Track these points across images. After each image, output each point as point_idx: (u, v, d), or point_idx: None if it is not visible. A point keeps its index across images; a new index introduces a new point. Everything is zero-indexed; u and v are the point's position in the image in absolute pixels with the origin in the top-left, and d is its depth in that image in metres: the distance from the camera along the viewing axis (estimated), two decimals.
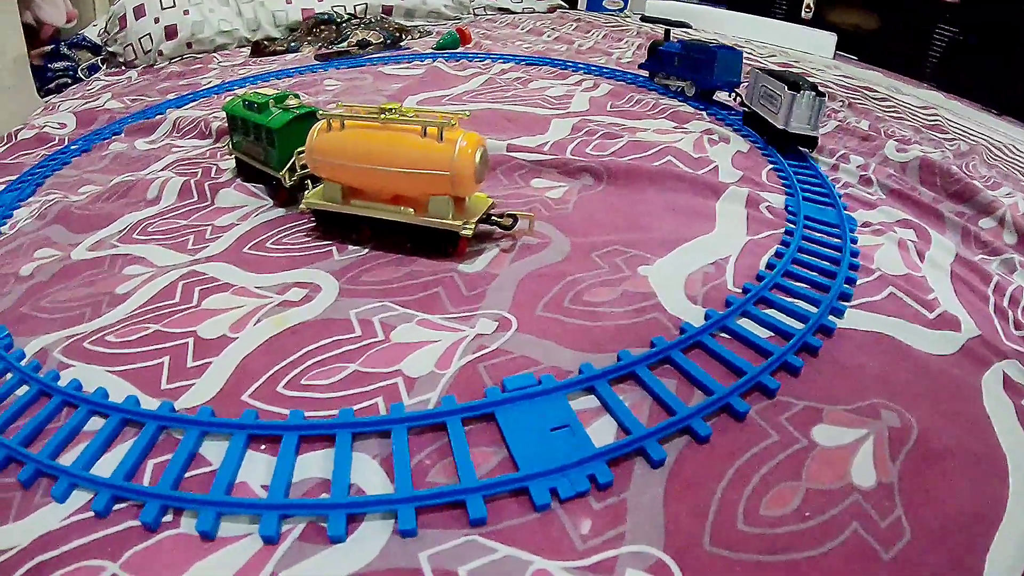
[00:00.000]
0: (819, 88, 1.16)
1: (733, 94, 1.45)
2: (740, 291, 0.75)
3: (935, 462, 0.56)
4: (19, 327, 0.77)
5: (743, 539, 0.49)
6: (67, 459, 0.57)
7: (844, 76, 1.93)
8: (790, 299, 0.74)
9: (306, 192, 0.91)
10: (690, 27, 2.49)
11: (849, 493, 0.52)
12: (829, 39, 2.47)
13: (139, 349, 0.70)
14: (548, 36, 2.31)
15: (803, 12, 2.82)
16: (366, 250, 0.85)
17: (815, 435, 0.57)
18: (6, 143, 1.52)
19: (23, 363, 0.70)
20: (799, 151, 1.18)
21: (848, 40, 2.54)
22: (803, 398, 0.60)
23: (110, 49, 2.27)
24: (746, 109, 1.32)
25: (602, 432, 0.57)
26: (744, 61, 1.49)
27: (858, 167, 1.15)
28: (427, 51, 2.04)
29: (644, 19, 2.60)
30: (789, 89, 1.14)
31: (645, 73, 1.68)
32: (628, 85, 1.60)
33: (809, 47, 2.43)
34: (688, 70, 1.50)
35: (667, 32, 1.71)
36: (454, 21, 2.60)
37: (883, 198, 1.05)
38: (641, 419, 0.58)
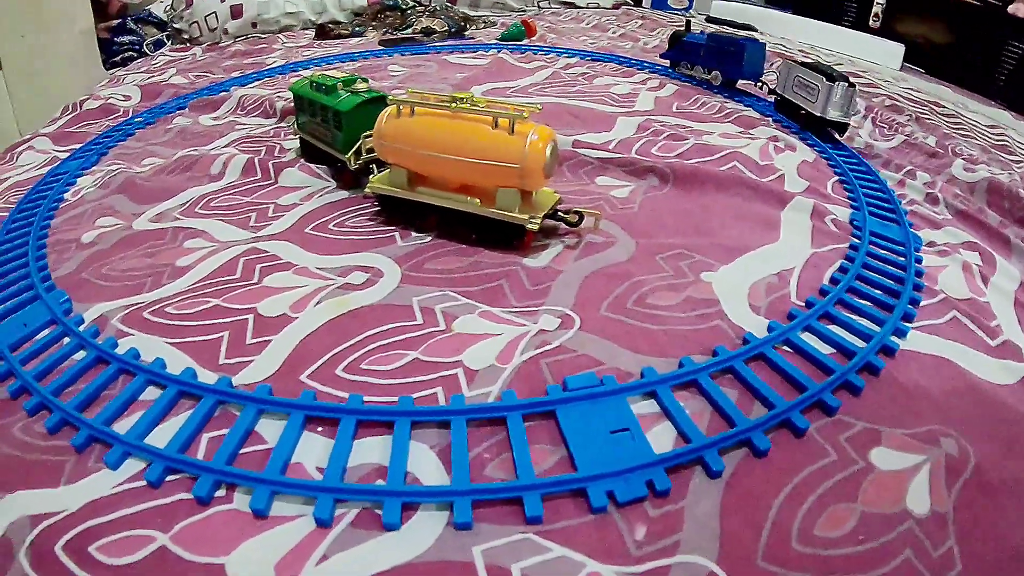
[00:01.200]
0: (850, 79, 1.25)
1: (760, 83, 1.53)
2: (803, 304, 0.74)
3: (991, 495, 0.55)
4: (78, 293, 0.78)
5: (796, 558, 0.48)
6: (121, 427, 0.58)
7: (911, 89, 1.88)
8: (853, 316, 0.72)
9: (371, 176, 0.91)
10: (756, 31, 2.46)
11: (904, 519, 0.51)
12: (896, 50, 2.42)
13: (198, 322, 0.71)
14: (613, 32, 2.29)
15: (871, 21, 2.76)
16: (429, 238, 0.85)
17: (873, 457, 0.55)
18: (71, 112, 1.53)
19: (81, 328, 0.71)
20: (835, 138, 1.28)
21: (916, 52, 2.49)
22: (863, 419, 0.59)
23: (176, 26, 2.29)
24: (778, 97, 1.40)
25: (662, 438, 0.56)
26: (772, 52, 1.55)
27: (925, 184, 1.12)
28: (492, 42, 2.03)
29: (709, 20, 2.57)
30: (827, 80, 1.23)
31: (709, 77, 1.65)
32: (694, 87, 1.58)
33: (876, 57, 2.38)
34: (715, 61, 1.57)
35: (688, 23, 1.76)
36: (519, 13, 2.59)
37: (949, 218, 1.02)
38: (701, 428, 0.57)
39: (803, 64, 1.32)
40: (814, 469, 0.54)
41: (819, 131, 1.28)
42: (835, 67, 1.30)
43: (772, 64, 1.72)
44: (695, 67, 1.63)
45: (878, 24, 2.74)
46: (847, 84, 1.23)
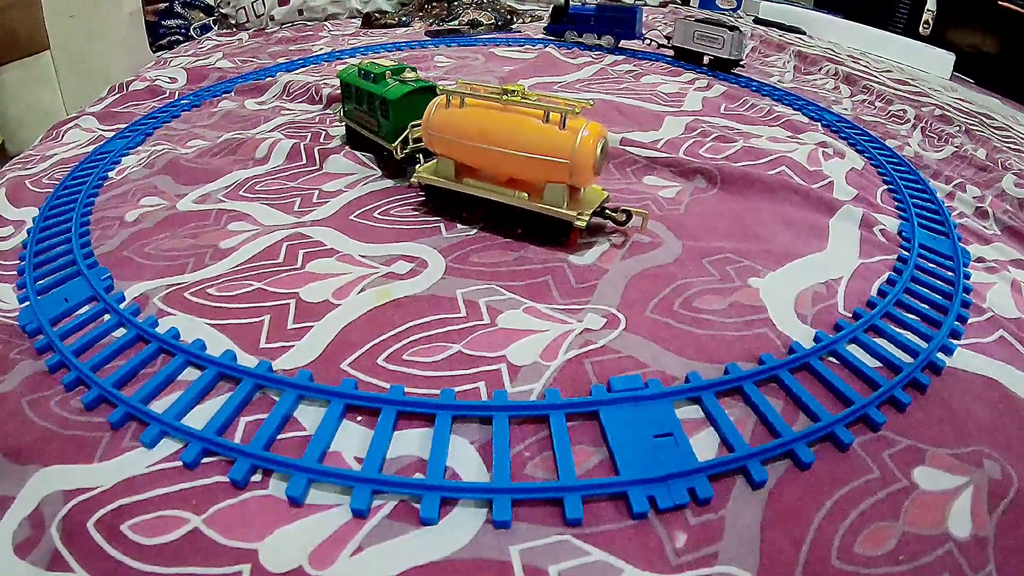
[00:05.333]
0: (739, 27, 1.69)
1: (648, 40, 1.88)
2: (850, 316, 0.72)
3: None
4: (120, 270, 0.79)
5: (835, 575, 0.47)
6: (159, 406, 0.58)
7: (961, 100, 1.85)
8: (900, 330, 0.71)
9: (417, 166, 0.91)
10: (805, 34, 2.43)
11: (944, 542, 0.50)
12: (947, 59, 2.38)
13: (240, 305, 0.71)
14: (660, 31, 2.27)
15: (921, 28, 2.72)
16: (475, 230, 0.85)
17: (916, 477, 0.54)
18: (117, 93, 1.55)
19: (122, 306, 0.71)
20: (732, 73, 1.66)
21: (966, 61, 2.45)
22: (907, 436, 0.57)
23: (222, 11, 2.31)
24: (677, 49, 1.78)
25: (705, 445, 0.55)
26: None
27: (974, 198, 1.10)
28: (539, 36, 2.03)
29: (757, 21, 2.55)
30: (729, 31, 1.65)
31: (742, 74, 1.69)
32: (742, 88, 1.57)
33: (926, 65, 2.34)
34: (607, 27, 1.85)
35: None
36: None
37: (997, 233, 1.01)
38: (744, 436, 0.56)
39: (699, 20, 1.73)
40: (857, 485, 0.53)
41: (726, 69, 1.68)
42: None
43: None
44: (584, 35, 1.89)
45: (928, 31, 2.70)
46: (739, 31, 1.66)
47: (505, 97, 0.81)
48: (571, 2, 1.95)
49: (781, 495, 0.52)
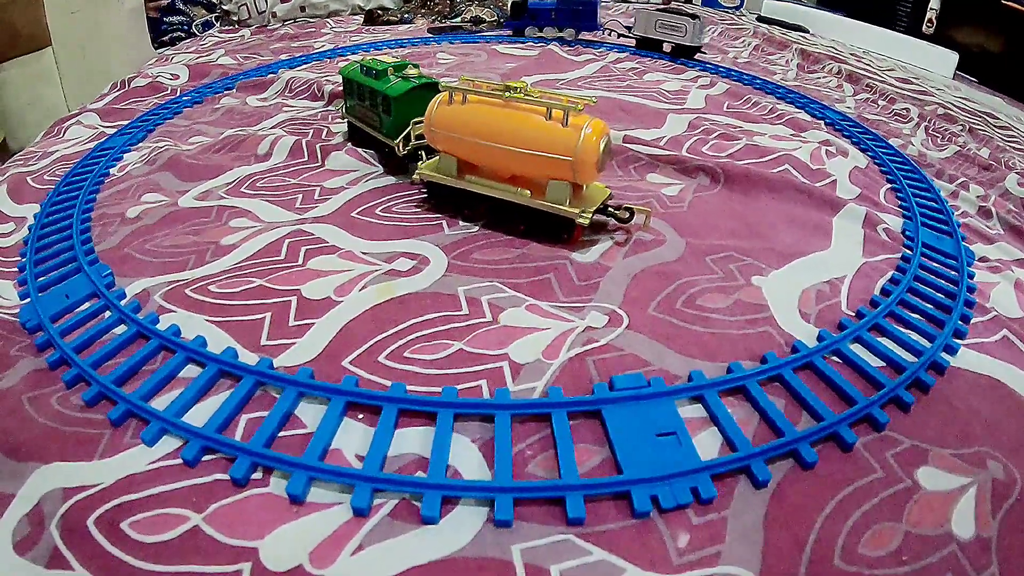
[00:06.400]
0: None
1: (608, 31, 1.98)
2: (853, 314, 0.72)
3: None
4: (121, 267, 0.79)
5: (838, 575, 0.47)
6: (159, 403, 0.58)
7: (964, 99, 1.85)
8: (904, 329, 0.71)
9: (419, 163, 0.90)
10: (808, 32, 2.43)
11: (947, 543, 0.50)
12: (950, 58, 2.38)
13: (241, 302, 0.71)
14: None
15: (924, 27, 2.72)
16: (477, 227, 0.85)
17: (919, 477, 0.54)
18: (119, 89, 1.55)
19: (123, 303, 0.71)
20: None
21: (970, 60, 2.44)
22: (910, 436, 0.57)
23: (224, 7, 2.31)
24: (639, 38, 1.85)
25: (708, 444, 0.55)
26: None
27: (978, 197, 1.10)
28: (594, 37, 2.03)
29: (761, 19, 2.55)
30: (691, 19, 1.74)
31: (755, 73, 1.67)
32: (744, 86, 1.57)
33: (929, 64, 2.34)
34: (569, 20, 1.92)
35: None
36: None
37: (1001, 233, 1.01)
38: (747, 435, 0.56)
39: (660, 10, 1.80)
40: (860, 485, 0.53)
41: (688, 56, 1.77)
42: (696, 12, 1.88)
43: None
44: (544, 28, 1.94)
45: (932, 30, 2.70)
46: (699, 19, 1.75)
47: (508, 94, 0.81)
48: None
49: (784, 495, 0.52)
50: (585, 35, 1.96)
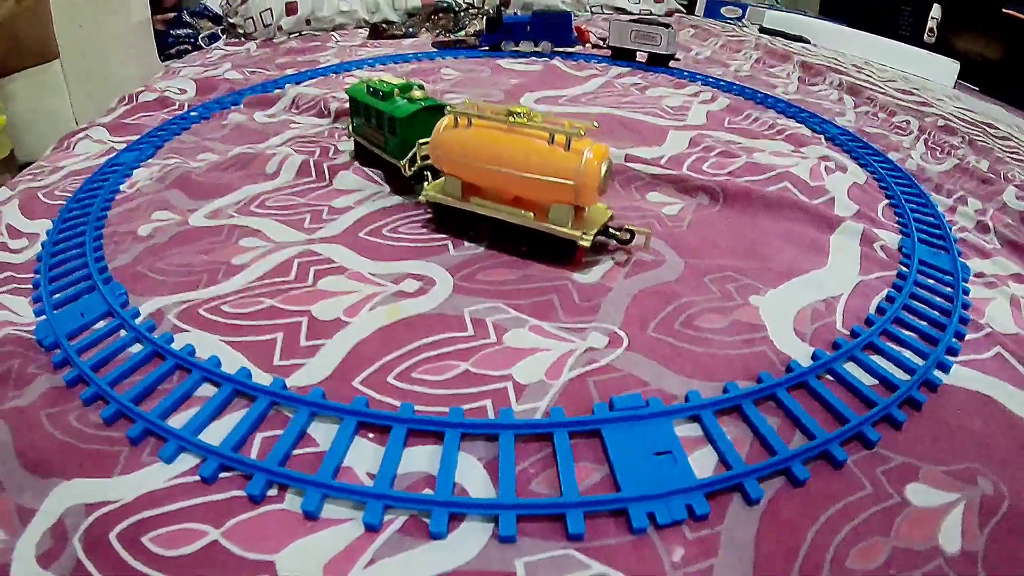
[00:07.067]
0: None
1: (582, 44, 2.05)
2: (848, 333, 0.74)
3: (1023, 537, 0.54)
4: (135, 285, 0.80)
5: None
6: (176, 422, 0.59)
7: (965, 109, 1.86)
8: (897, 347, 0.72)
9: (425, 184, 0.92)
10: (809, 43, 2.44)
11: (933, 557, 0.51)
12: (951, 67, 2.39)
13: (253, 322, 0.72)
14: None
15: (926, 35, 2.73)
16: (481, 248, 0.86)
17: (908, 493, 0.55)
18: (127, 103, 1.56)
19: (138, 321, 0.73)
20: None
21: (971, 68, 2.45)
22: (901, 453, 0.59)
23: (231, 20, 2.33)
24: (614, 48, 1.93)
25: (703, 462, 0.57)
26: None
27: (976, 211, 1.11)
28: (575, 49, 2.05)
29: (763, 31, 2.56)
30: (665, 29, 1.83)
31: (755, 88, 1.69)
32: (746, 100, 1.58)
33: (930, 74, 2.34)
34: (544, 33, 1.97)
35: (498, 8, 2.14)
36: None
37: (998, 248, 1.02)
38: (741, 454, 0.57)
39: (634, 21, 1.92)
40: (850, 501, 0.54)
41: (663, 63, 1.86)
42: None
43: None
44: (520, 43, 1.99)
45: (933, 39, 2.71)
46: (672, 29, 1.84)
47: (511, 119, 0.82)
48: (505, 13, 2.07)
49: (776, 511, 0.53)
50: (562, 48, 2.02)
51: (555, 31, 1.98)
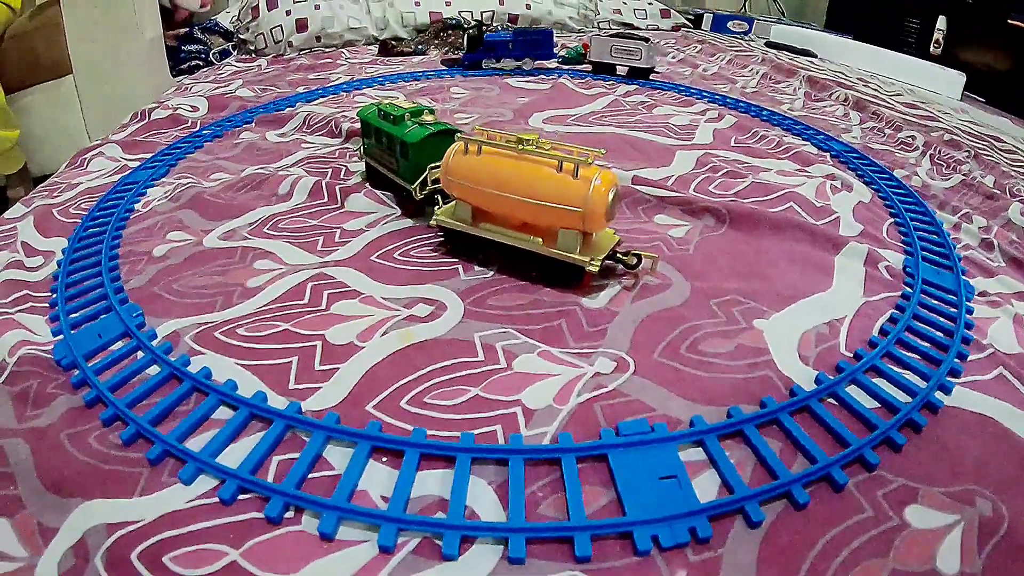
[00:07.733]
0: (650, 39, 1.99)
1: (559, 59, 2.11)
2: (851, 356, 0.74)
3: (1022, 558, 0.55)
4: (151, 306, 0.81)
5: None
6: (194, 444, 0.61)
7: (971, 122, 1.85)
8: (899, 369, 0.73)
9: (436, 208, 0.93)
10: (816, 56, 2.44)
11: None
12: (957, 79, 2.38)
13: (269, 346, 0.74)
14: (672, 57, 2.30)
15: (932, 47, 2.73)
16: (491, 273, 0.87)
17: (907, 515, 0.56)
18: (140, 120, 1.58)
19: (154, 343, 0.74)
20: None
21: (978, 80, 2.45)
22: (901, 475, 0.60)
23: (242, 36, 2.36)
24: (595, 63, 1.99)
25: (706, 486, 0.58)
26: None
27: (980, 229, 1.11)
28: (552, 66, 2.08)
29: (769, 45, 2.57)
30: (645, 43, 1.91)
31: (758, 104, 1.70)
32: (752, 118, 1.59)
33: (936, 86, 2.34)
34: (525, 50, 2.03)
35: (479, 25, 2.18)
36: (578, 34, 2.60)
37: (1002, 265, 1.02)
38: (744, 477, 0.58)
39: (615, 36, 1.98)
40: (850, 524, 0.55)
41: (643, 77, 1.92)
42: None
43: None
44: (502, 60, 2.03)
45: (939, 51, 2.71)
46: (652, 43, 1.93)
47: (521, 146, 0.84)
48: (486, 31, 2.10)
49: (777, 534, 0.54)
50: (543, 63, 2.07)
51: (537, 47, 2.04)
